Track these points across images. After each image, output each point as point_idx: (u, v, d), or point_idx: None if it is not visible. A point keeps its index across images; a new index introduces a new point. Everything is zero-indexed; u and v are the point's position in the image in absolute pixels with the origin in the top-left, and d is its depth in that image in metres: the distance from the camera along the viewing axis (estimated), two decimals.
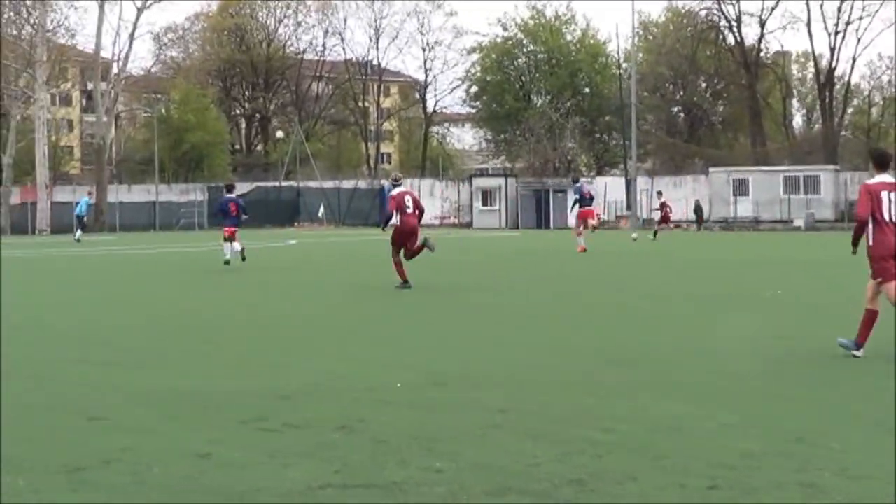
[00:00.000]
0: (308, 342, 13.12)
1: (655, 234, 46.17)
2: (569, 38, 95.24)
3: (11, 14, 76.73)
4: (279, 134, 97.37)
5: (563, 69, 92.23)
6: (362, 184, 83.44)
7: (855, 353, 11.07)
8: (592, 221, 36.65)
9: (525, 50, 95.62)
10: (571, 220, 41.52)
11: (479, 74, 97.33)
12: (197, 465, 6.74)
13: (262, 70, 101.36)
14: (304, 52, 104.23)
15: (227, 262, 28.49)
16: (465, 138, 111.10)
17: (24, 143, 79.74)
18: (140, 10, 77.33)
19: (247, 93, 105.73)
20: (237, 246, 28.97)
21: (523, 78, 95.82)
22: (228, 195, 30.43)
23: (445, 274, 25.29)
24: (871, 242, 11.17)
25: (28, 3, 75.29)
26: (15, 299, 19.24)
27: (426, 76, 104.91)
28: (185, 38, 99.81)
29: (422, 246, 21.12)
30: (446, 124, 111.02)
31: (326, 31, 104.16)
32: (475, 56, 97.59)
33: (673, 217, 51.95)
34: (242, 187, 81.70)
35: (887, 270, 11.07)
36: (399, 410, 8.55)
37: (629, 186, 69.33)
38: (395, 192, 21.60)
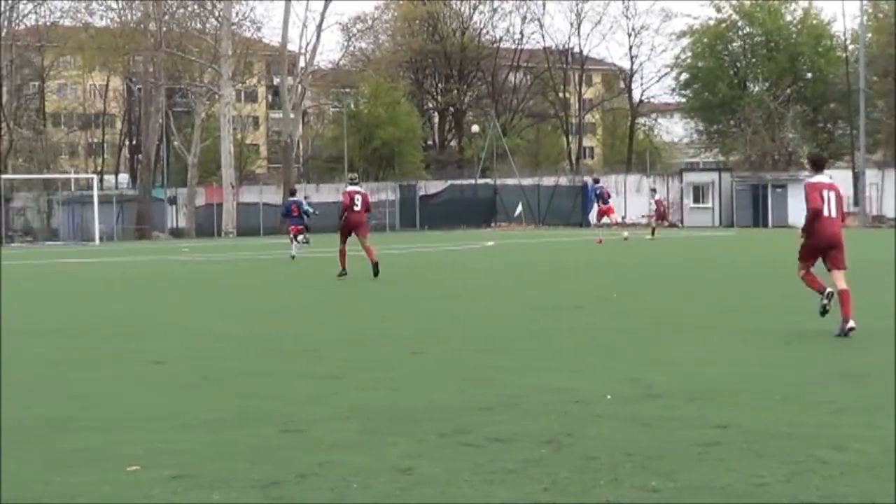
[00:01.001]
0: (509, 351, 13.17)
1: (654, 231, 49.84)
2: (788, 18, 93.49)
3: (195, 7, 78.88)
4: (474, 128, 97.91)
5: (783, 53, 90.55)
6: (563, 181, 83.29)
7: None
8: (606, 219, 46.52)
9: (740, 33, 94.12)
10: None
11: (689, 61, 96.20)
12: (398, 480, 6.84)
13: (455, 61, 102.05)
14: (500, 40, 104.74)
15: (293, 258, 35.15)
16: (674, 130, 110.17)
17: (209, 141, 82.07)
18: (328, 0, 78.59)
19: (440, 85, 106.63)
20: (301, 239, 36.61)
21: (738, 63, 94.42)
22: (291, 198, 38.57)
23: (650, 280, 25.09)
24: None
25: None
26: (217, 308, 19.81)
27: (632, 63, 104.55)
28: (374, 28, 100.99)
29: (376, 264, 25.28)
30: (654, 115, 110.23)
31: (524, 18, 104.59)
32: (685, 41, 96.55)
33: None
34: (435, 186, 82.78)
35: (812, 256, 13.82)
36: (610, 424, 8.53)
37: (857, 180, 67.72)
38: (348, 189, 26.18)
